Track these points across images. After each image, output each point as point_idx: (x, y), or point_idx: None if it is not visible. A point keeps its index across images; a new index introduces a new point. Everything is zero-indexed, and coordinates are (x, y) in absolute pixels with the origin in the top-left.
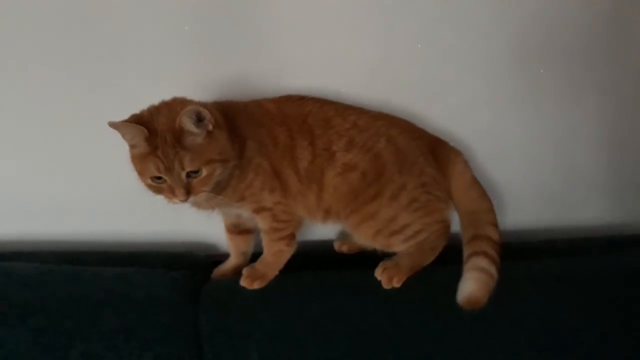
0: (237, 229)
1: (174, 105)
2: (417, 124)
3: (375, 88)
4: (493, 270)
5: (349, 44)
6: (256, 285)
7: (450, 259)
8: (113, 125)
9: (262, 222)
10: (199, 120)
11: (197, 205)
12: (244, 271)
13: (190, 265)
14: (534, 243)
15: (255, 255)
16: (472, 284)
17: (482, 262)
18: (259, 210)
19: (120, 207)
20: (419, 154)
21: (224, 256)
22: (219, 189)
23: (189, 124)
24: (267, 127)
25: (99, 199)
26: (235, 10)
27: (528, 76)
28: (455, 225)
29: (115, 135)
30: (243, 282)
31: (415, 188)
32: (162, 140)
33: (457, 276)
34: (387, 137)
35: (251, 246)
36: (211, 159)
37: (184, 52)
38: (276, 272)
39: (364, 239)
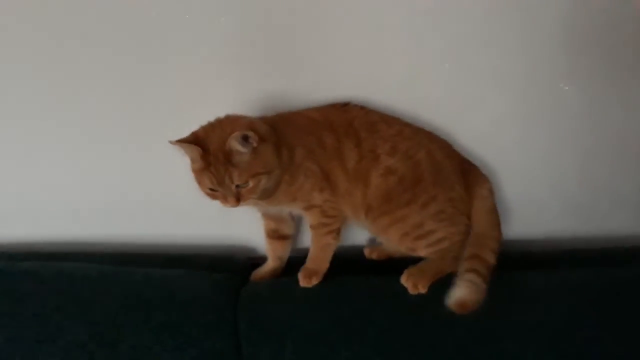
0: (276, 234)
1: (226, 125)
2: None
3: (404, 103)
4: (483, 286)
5: (380, 61)
6: (314, 281)
7: None
8: (174, 143)
9: (311, 218)
10: (245, 140)
11: (253, 204)
12: (299, 275)
13: (231, 267)
14: (556, 253)
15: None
16: (463, 290)
17: (475, 278)
18: (308, 207)
19: (168, 214)
20: (451, 171)
21: (263, 259)
22: (267, 194)
23: (236, 146)
24: (315, 134)
25: (151, 206)
26: (273, 33)
27: (552, 92)
28: None
29: (165, 148)
30: (302, 283)
31: (445, 201)
32: (215, 158)
33: None
34: (427, 149)
35: (287, 251)
36: (257, 172)
37: (227, 71)
38: (327, 266)
39: (392, 240)
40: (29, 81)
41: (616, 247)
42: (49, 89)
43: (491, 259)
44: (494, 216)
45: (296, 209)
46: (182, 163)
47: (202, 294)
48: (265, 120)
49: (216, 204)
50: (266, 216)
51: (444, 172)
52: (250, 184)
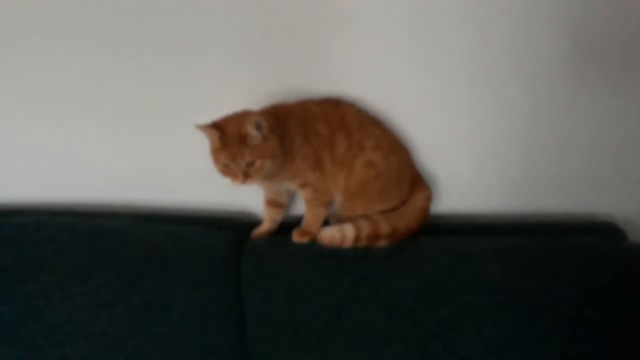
0: (273, 203)
1: (242, 116)
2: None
3: (377, 99)
4: (352, 235)
5: (358, 64)
6: (305, 240)
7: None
8: (198, 127)
9: (305, 194)
10: (258, 127)
11: (258, 183)
12: (294, 233)
13: (235, 227)
14: (501, 225)
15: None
16: (332, 230)
17: (349, 227)
18: (304, 185)
19: (187, 183)
20: (409, 176)
21: (261, 222)
22: (270, 175)
23: (251, 129)
24: (311, 124)
25: (172, 176)
26: (283, 34)
27: (500, 93)
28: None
29: (186, 130)
30: (295, 238)
31: (399, 201)
32: (231, 139)
33: (435, 245)
34: (398, 155)
35: (281, 216)
36: (263, 154)
37: (239, 67)
38: (317, 229)
39: (352, 213)
40: (72, 70)
41: (549, 222)
42: (94, 79)
43: (384, 228)
44: (420, 213)
45: (293, 185)
46: (199, 144)
47: (212, 247)
48: (272, 110)
49: (227, 180)
50: (266, 189)
51: (404, 176)
52: (257, 164)
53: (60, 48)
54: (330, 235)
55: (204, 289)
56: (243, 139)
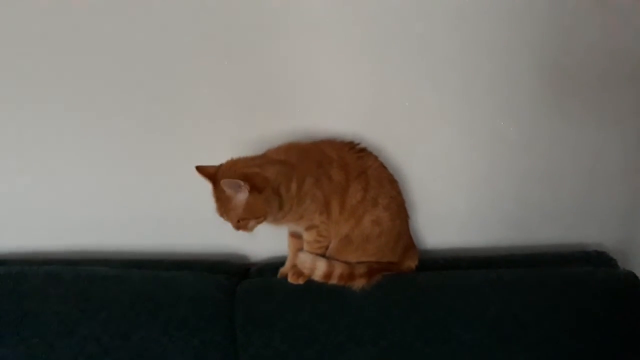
0: (296, 234)
1: (226, 168)
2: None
3: (371, 134)
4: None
5: (353, 101)
6: (300, 281)
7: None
8: (197, 169)
9: (308, 236)
10: (238, 188)
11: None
12: (289, 274)
13: (227, 270)
14: (495, 257)
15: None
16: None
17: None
18: (309, 227)
19: (175, 227)
20: (403, 245)
21: (253, 264)
22: (272, 222)
23: (227, 190)
24: (325, 167)
25: (160, 220)
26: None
27: (491, 126)
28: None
29: (173, 174)
30: (291, 280)
31: (388, 265)
32: (220, 194)
33: (434, 281)
34: (402, 221)
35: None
36: (245, 217)
37: (231, 112)
38: (312, 270)
39: (341, 259)
40: (59, 108)
41: (543, 253)
42: (80, 119)
43: (360, 269)
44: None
45: (299, 228)
46: (189, 188)
47: (204, 292)
48: (286, 149)
49: (215, 219)
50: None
51: (402, 241)
52: (247, 222)
53: (49, 95)
54: (301, 261)
55: (197, 336)
56: (227, 197)
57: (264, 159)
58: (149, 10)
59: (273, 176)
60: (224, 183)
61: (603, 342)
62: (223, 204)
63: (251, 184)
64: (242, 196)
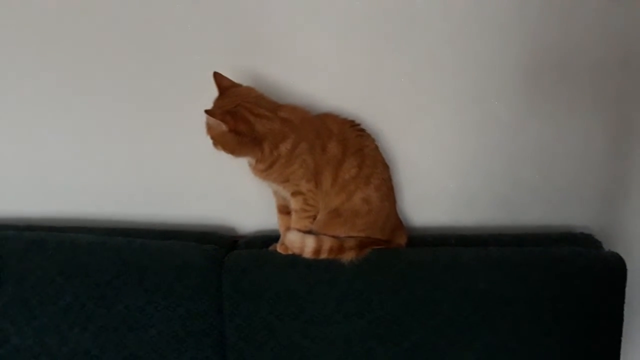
0: (285, 210)
1: (236, 93)
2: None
3: (367, 111)
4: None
5: (349, 78)
6: (289, 252)
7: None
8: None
9: (295, 203)
10: (218, 124)
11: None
12: (279, 244)
13: (215, 241)
14: (485, 236)
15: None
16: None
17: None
18: (295, 193)
19: (165, 197)
20: (391, 224)
21: (241, 236)
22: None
23: (210, 121)
24: (322, 140)
25: (151, 190)
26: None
27: (484, 106)
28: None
29: (163, 143)
30: (279, 249)
31: (375, 242)
32: (213, 104)
33: (423, 256)
34: (390, 204)
35: None
36: (217, 141)
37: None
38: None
39: (328, 232)
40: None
41: (531, 233)
42: (64, 86)
43: (350, 242)
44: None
45: (286, 192)
46: (177, 156)
47: (191, 261)
48: (291, 109)
49: (204, 190)
50: (276, 195)
51: (389, 222)
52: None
53: (32, 61)
54: (290, 241)
55: (183, 305)
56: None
57: (272, 112)
58: None
59: (262, 130)
60: (209, 118)
61: (586, 320)
62: (208, 118)
63: (232, 126)
64: (221, 127)
